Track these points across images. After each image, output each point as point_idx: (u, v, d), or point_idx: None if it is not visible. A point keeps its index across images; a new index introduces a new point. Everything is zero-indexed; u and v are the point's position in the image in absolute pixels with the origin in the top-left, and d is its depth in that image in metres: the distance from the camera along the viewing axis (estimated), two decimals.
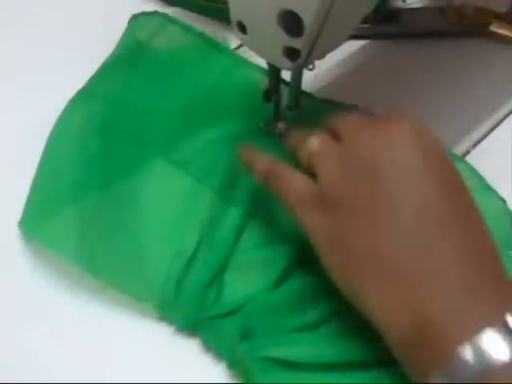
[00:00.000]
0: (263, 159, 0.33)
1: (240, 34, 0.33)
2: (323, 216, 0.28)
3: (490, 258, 0.27)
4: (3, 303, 0.33)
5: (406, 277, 0.26)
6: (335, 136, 0.30)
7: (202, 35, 0.44)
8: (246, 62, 0.42)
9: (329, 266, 0.29)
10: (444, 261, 0.26)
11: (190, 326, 0.32)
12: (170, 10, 0.48)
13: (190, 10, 0.49)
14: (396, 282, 0.26)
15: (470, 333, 0.24)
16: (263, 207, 0.35)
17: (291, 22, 0.29)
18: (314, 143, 0.31)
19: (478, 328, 0.24)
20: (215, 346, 0.31)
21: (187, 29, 0.44)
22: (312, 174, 0.30)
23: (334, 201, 0.28)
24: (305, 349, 0.30)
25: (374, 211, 0.27)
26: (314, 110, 0.40)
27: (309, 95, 0.40)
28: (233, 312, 0.31)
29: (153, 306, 0.32)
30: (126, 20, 0.45)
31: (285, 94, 0.37)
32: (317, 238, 0.29)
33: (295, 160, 0.32)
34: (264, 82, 0.37)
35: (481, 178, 0.36)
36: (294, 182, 0.30)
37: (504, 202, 0.35)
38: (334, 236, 0.28)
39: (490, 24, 0.46)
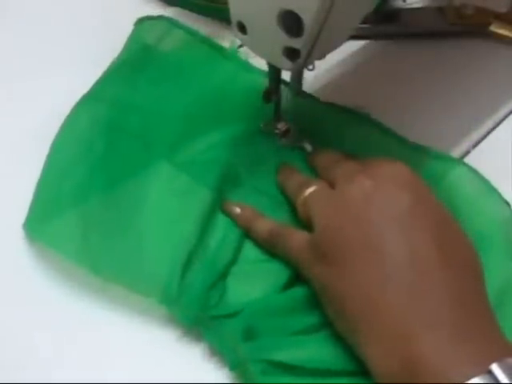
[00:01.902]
0: (263, 221, 0.34)
1: (240, 34, 0.33)
2: (318, 263, 0.30)
3: (478, 302, 0.28)
4: (6, 303, 0.33)
5: (394, 323, 0.26)
6: (330, 183, 0.32)
7: (207, 39, 0.44)
8: (250, 67, 0.42)
9: (326, 311, 0.30)
10: (432, 307, 0.26)
11: (193, 324, 0.32)
12: (169, 10, 0.48)
13: (190, 10, 0.49)
14: (385, 328, 0.27)
15: (458, 381, 0.24)
16: (266, 210, 0.35)
17: (291, 22, 0.29)
18: (309, 189, 0.33)
19: (466, 377, 0.24)
20: (217, 346, 0.31)
21: (193, 33, 0.44)
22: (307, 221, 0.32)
23: (327, 246, 0.29)
24: (307, 352, 0.30)
25: (363, 257, 0.28)
26: (314, 112, 0.40)
27: (309, 96, 0.40)
28: (236, 313, 0.31)
29: (157, 301, 0.32)
30: (127, 21, 0.45)
31: (285, 94, 0.37)
32: (315, 284, 0.30)
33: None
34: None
35: (484, 181, 0.36)
36: (294, 240, 0.32)
37: (508, 205, 0.35)
38: (329, 283, 0.29)
39: (489, 24, 0.46)
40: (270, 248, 0.34)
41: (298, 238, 0.32)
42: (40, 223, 0.35)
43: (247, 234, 0.35)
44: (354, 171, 0.31)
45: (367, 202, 0.29)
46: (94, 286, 0.33)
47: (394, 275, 0.27)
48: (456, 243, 0.29)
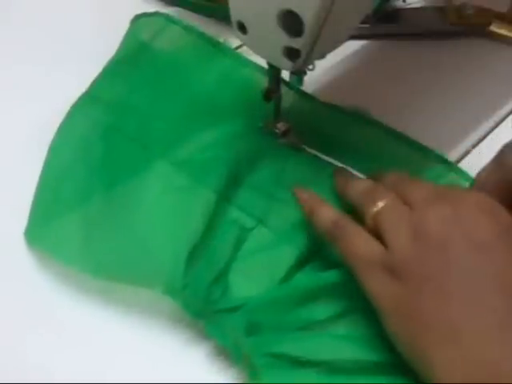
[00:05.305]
0: (328, 210, 0.32)
1: (240, 34, 0.33)
2: (391, 282, 0.28)
3: None
4: (8, 308, 0.33)
5: (478, 353, 0.25)
6: (403, 199, 0.30)
7: (203, 35, 0.43)
8: (247, 62, 0.42)
9: (394, 332, 0.28)
10: None
11: (196, 316, 0.32)
12: (169, 10, 0.48)
13: (190, 10, 0.49)
14: (467, 358, 0.25)
15: None
16: (264, 208, 0.35)
17: (291, 22, 0.29)
18: (382, 202, 0.30)
19: None
20: (220, 341, 0.31)
21: (189, 29, 0.44)
22: (374, 233, 0.30)
23: (404, 268, 0.28)
24: (310, 345, 0.30)
25: (445, 282, 0.27)
26: (314, 112, 0.40)
27: (310, 97, 0.40)
28: (238, 308, 0.31)
29: (161, 292, 0.32)
30: (127, 20, 0.45)
31: (285, 94, 0.37)
32: (383, 302, 0.28)
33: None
34: (265, 81, 0.37)
35: None
36: (361, 243, 0.30)
37: None
38: (403, 303, 0.28)
39: (490, 24, 0.46)
40: (330, 240, 0.32)
41: (363, 244, 0.30)
42: (40, 229, 0.35)
43: (309, 220, 0.33)
44: (434, 195, 0.30)
45: (449, 229, 0.28)
46: (96, 290, 0.33)
47: (479, 304, 0.26)
48: None
